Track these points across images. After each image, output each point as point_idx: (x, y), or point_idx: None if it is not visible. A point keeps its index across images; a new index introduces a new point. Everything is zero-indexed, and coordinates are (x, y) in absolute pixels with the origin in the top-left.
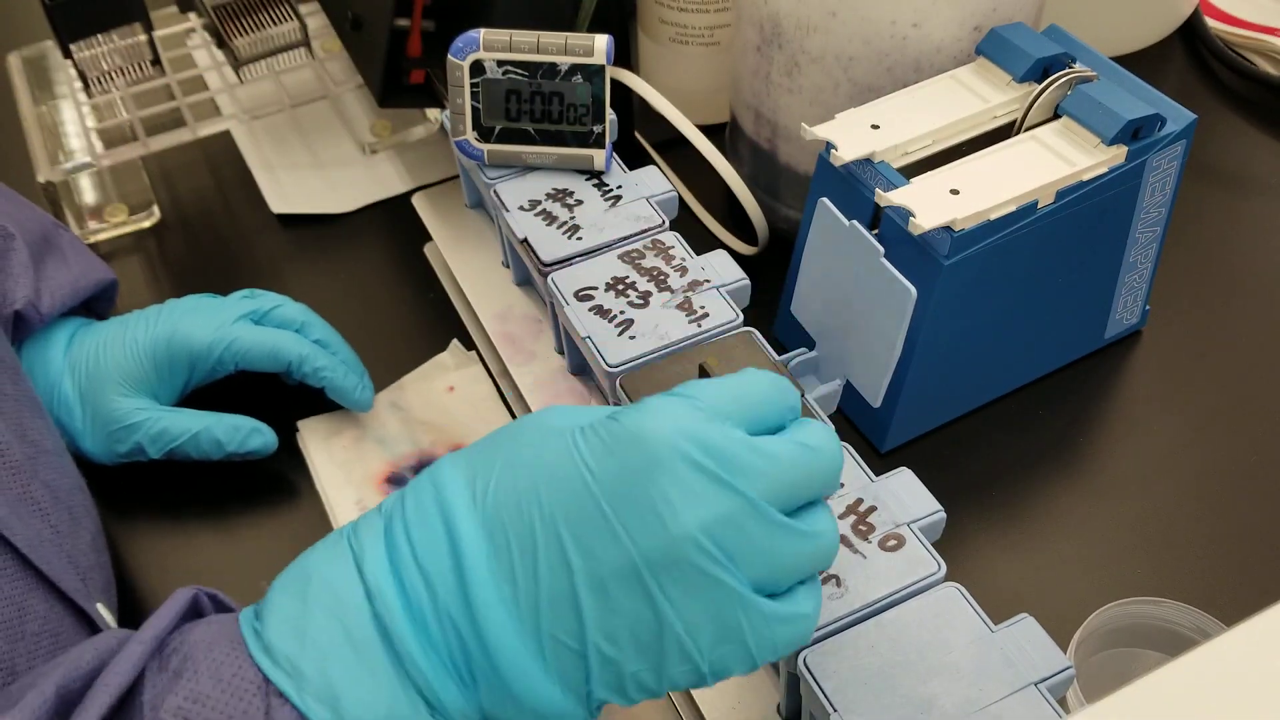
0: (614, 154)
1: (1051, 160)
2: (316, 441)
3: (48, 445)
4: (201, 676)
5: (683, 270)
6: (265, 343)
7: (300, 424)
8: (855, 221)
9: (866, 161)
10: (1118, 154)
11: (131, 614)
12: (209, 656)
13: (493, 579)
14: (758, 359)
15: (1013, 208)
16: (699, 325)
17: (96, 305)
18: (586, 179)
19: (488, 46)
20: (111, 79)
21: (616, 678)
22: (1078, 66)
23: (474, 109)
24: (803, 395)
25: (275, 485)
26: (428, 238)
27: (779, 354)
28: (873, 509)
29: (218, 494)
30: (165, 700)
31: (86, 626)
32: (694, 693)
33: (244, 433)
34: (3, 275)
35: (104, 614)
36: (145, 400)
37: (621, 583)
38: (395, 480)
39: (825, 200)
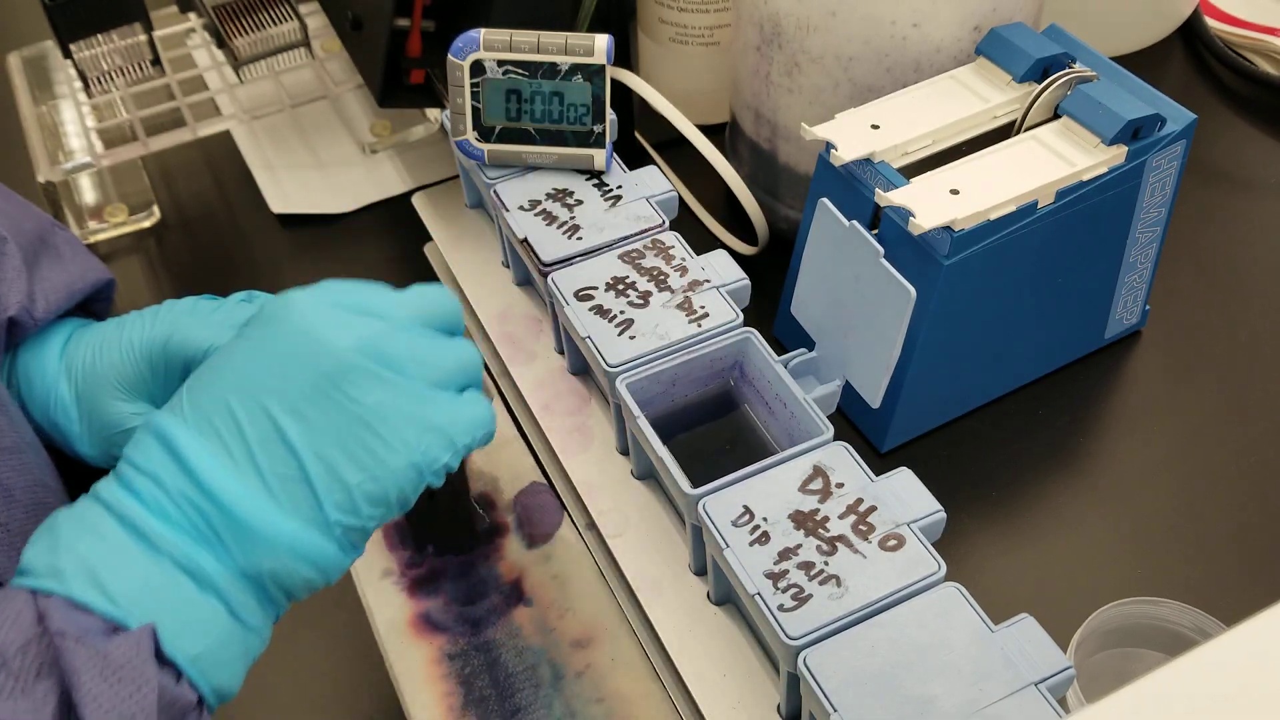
0: (614, 154)
1: (1051, 160)
2: None
3: (5, 443)
4: None
5: (683, 270)
6: None
7: None
8: (855, 221)
9: (866, 161)
10: (1118, 154)
11: None
12: None
13: (208, 452)
14: None
15: (1013, 208)
16: (699, 325)
17: (94, 306)
18: (586, 179)
19: (488, 46)
20: (111, 79)
21: (344, 493)
22: (1078, 66)
23: (474, 109)
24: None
25: None
26: (428, 238)
27: (779, 354)
28: (873, 509)
29: None
30: None
31: None
32: (694, 693)
33: None
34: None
35: None
36: (143, 405)
37: (312, 402)
38: None
39: (825, 200)
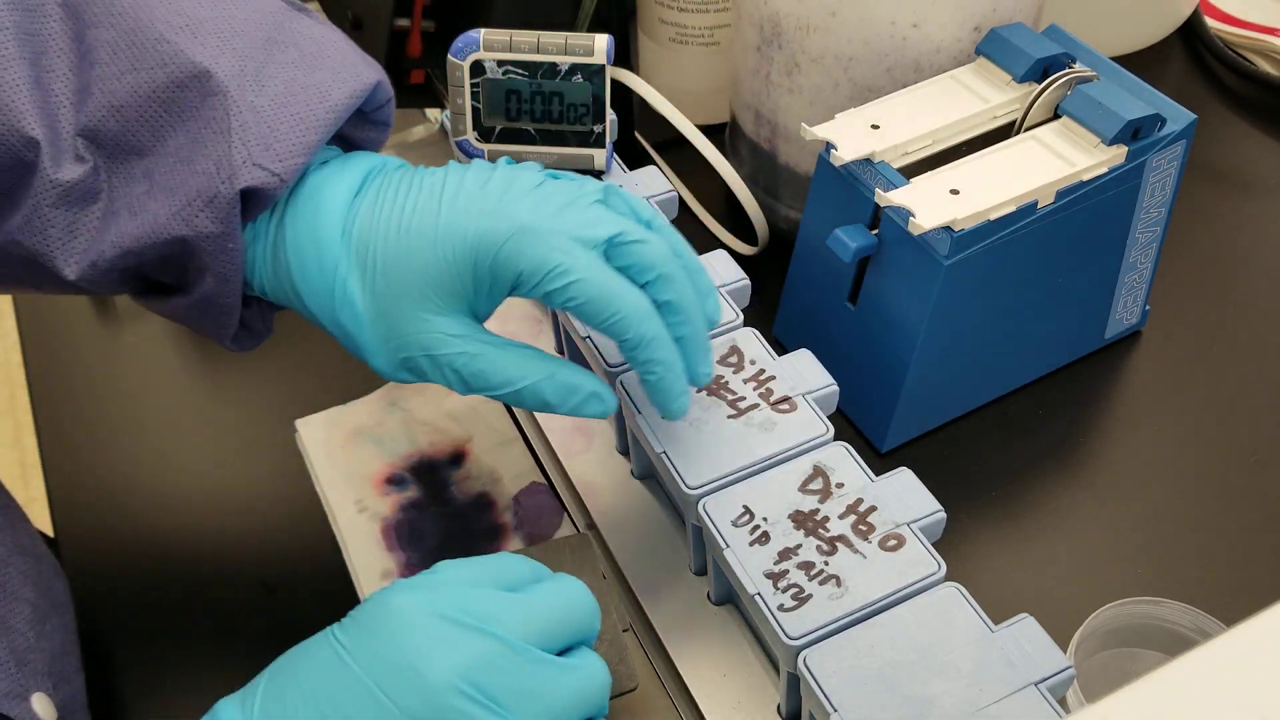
0: (614, 154)
1: (1051, 160)
2: (316, 442)
3: None
4: None
5: None
6: (613, 302)
7: (298, 423)
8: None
9: (866, 161)
10: (1118, 154)
11: (127, 612)
12: None
13: None
14: (585, 569)
15: (1013, 208)
16: None
17: (369, 115)
18: None
19: (488, 46)
20: None
21: None
22: (1077, 66)
23: (474, 109)
24: (805, 396)
25: (274, 485)
26: None
27: (778, 354)
28: (873, 509)
29: (216, 494)
30: None
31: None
32: (694, 693)
33: (581, 396)
34: (215, 139)
35: (41, 704)
36: (461, 320)
37: None
38: (395, 481)
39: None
